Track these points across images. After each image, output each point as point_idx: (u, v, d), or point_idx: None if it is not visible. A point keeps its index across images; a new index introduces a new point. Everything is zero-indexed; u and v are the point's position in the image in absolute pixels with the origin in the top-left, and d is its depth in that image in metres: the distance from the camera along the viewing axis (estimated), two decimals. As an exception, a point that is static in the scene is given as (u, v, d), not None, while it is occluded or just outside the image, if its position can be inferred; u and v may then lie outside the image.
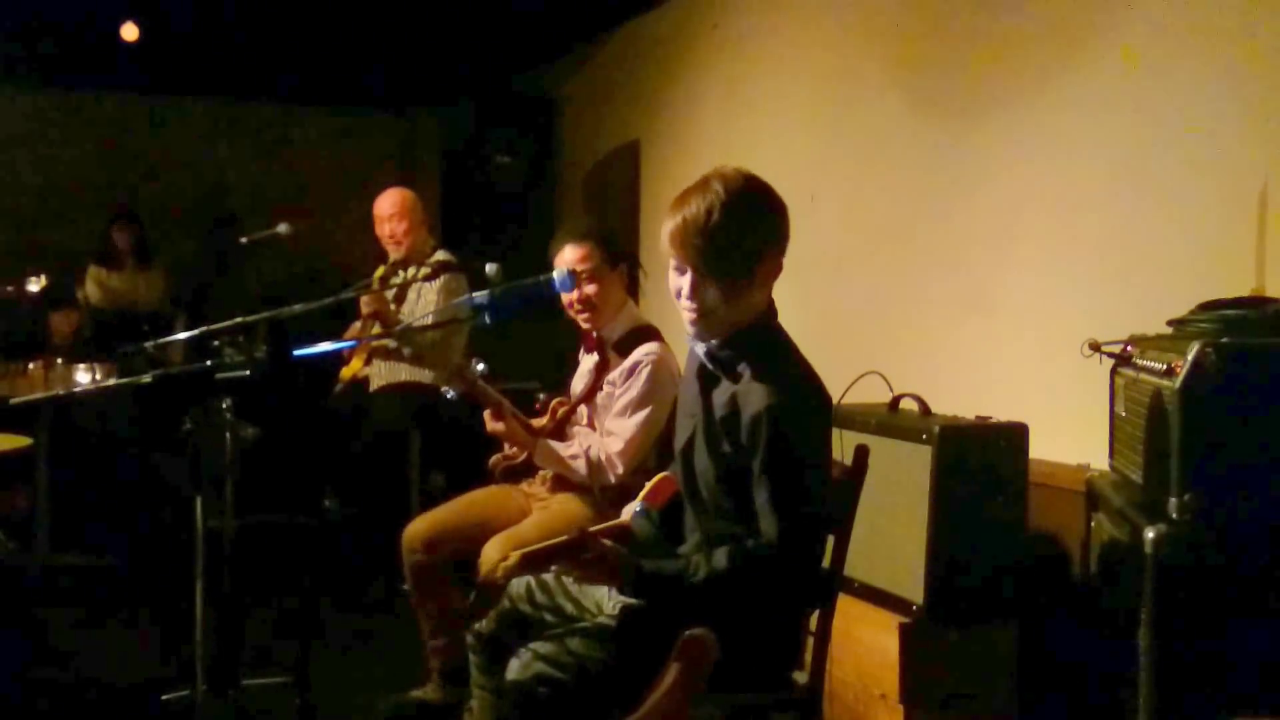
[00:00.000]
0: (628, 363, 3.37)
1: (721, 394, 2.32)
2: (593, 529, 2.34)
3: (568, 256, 3.39)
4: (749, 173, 2.29)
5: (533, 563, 2.27)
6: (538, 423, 3.53)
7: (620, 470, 3.32)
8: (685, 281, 2.27)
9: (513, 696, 2.29)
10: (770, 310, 2.37)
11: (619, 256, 3.46)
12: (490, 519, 3.46)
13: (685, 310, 2.30)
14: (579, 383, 3.58)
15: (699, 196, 2.23)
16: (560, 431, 3.51)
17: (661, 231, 2.28)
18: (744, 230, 2.23)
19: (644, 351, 3.36)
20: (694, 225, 2.21)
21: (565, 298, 3.39)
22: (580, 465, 3.36)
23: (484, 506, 3.57)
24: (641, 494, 2.56)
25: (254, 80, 8.43)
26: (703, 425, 2.35)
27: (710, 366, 2.36)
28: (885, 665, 3.07)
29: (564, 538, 2.23)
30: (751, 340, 2.31)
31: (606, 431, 3.39)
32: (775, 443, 2.19)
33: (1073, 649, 2.97)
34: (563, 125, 7.50)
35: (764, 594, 2.24)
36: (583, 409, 3.52)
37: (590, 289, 3.39)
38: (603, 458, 3.34)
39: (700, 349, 2.37)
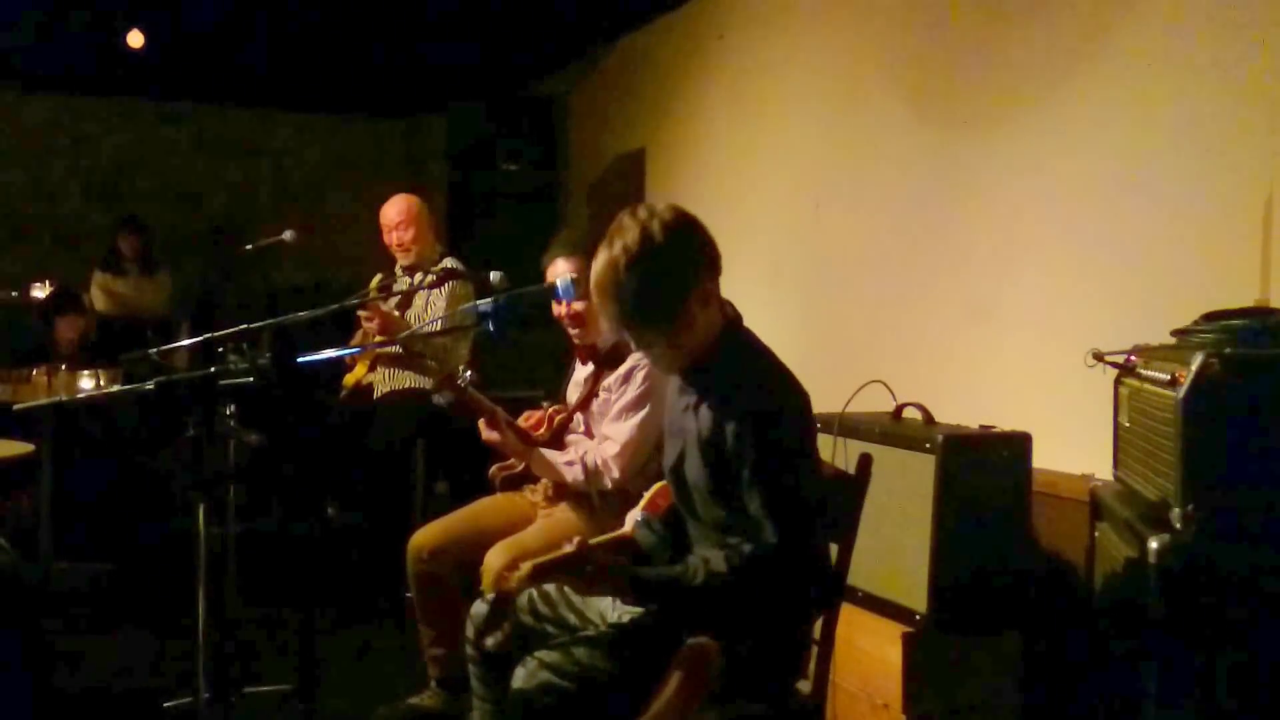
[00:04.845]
0: (623, 368, 3.36)
1: (704, 411, 2.34)
2: (594, 540, 2.34)
3: (560, 269, 3.38)
4: (643, 230, 2.24)
5: (543, 573, 2.27)
6: (530, 424, 3.52)
7: (617, 474, 3.30)
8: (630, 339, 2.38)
9: (518, 705, 2.29)
10: (728, 318, 2.37)
11: None
12: (494, 528, 3.43)
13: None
14: (573, 391, 3.57)
15: (606, 276, 2.24)
16: (558, 440, 3.51)
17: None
18: (653, 294, 2.24)
19: (639, 356, 3.35)
20: (610, 304, 2.26)
21: (556, 309, 3.38)
22: (576, 471, 3.34)
23: (489, 515, 3.55)
24: (641, 503, 2.55)
25: (261, 86, 8.46)
26: (692, 442, 2.37)
27: (687, 386, 2.40)
28: (888, 675, 3.06)
29: (569, 549, 2.24)
30: (717, 358, 2.33)
31: (603, 436, 3.37)
32: (759, 450, 2.21)
33: (1076, 659, 2.96)
34: (569, 132, 7.52)
35: (768, 595, 2.24)
36: (579, 417, 3.51)
37: (580, 305, 3.37)
38: (599, 462, 3.32)
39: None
